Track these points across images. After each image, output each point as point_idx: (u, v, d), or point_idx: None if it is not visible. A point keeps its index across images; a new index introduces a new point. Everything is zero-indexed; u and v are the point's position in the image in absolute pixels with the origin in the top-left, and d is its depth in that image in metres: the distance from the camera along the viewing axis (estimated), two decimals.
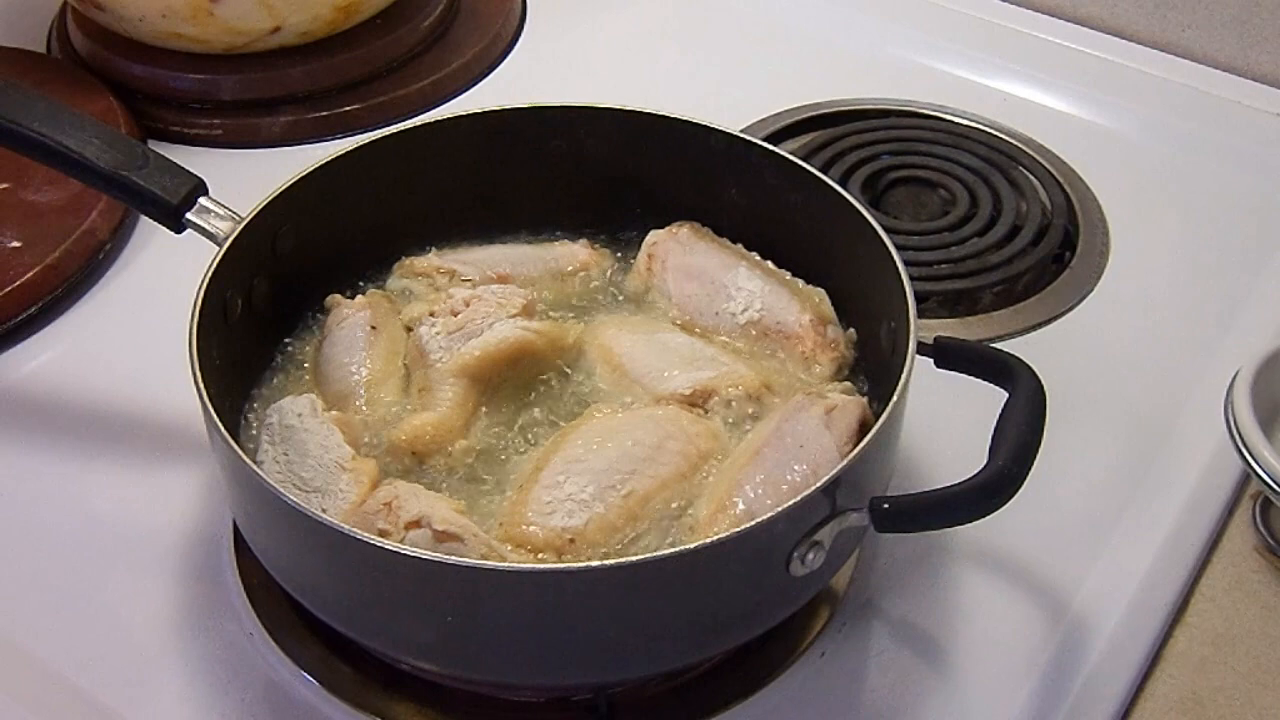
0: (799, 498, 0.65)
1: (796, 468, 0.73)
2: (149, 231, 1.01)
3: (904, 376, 0.70)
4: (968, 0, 1.26)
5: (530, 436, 0.79)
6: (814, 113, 1.14)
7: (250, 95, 1.13)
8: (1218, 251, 1.03)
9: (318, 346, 0.84)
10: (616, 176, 0.90)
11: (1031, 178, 1.08)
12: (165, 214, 0.80)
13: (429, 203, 0.89)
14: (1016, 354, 0.74)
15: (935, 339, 0.76)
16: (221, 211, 0.80)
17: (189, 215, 0.80)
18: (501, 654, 0.68)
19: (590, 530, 0.71)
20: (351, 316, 0.83)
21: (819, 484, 0.65)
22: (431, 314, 0.81)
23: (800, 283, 0.86)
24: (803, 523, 0.66)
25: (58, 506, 0.84)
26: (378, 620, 0.69)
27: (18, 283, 0.94)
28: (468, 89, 1.18)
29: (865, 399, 0.78)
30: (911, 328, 0.73)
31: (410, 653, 0.72)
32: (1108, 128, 1.15)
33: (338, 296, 0.85)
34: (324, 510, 0.71)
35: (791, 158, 0.84)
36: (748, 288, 0.85)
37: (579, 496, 0.72)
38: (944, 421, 0.84)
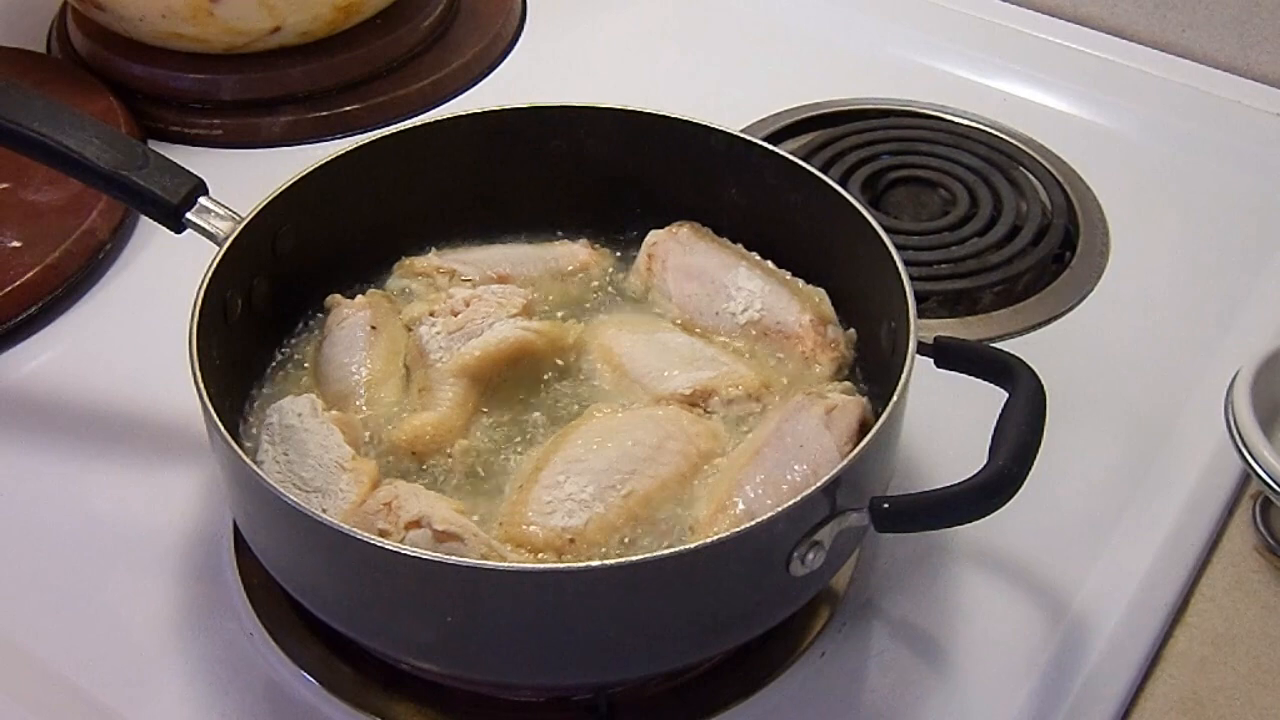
0: (799, 498, 0.65)
1: (796, 468, 0.73)
2: (149, 231, 1.01)
3: (904, 376, 0.70)
4: (968, 0, 1.26)
5: (530, 436, 0.79)
6: (814, 113, 1.14)
7: (250, 95, 1.13)
8: (1218, 251, 1.03)
9: (318, 346, 0.84)
10: (616, 176, 0.90)
11: (1031, 178, 1.08)
12: (165, 214, 0.80)
13: (429, 203, 0.89)
14: (1016, 354, 0.74)
15: (935, 339, 0.76)
16: (221, 211, 0.80)
17: (189, 215, 0.80)
18: (501, 654, 0.68)
19: (590, 530, 0.71)
20: (351, 316, 0.83)
21: (819, 484, 0.65)
22: (431, 314, 0.81)
23: (800, 283, 0.86)
24: (803, 523, 0.66)
25: (58, 506, 0.84)
26: (378, 620, 0.69)
27: (18, 283, 0.94)
28: (468, 89, 1.18)
29: (865, 399, 0.78)
30: (911, 328, 0.73)
31: (410, 653, 0.72)
32: (1108, 128, 1.15)
33: (338, 296, 0.85)
34: (324, 510, 0.71)
35: (791, 158, 0.84)
36: (748, 288, 0.85)
37: (579, 496, 0.72)
38: (944, 421, 0.84)
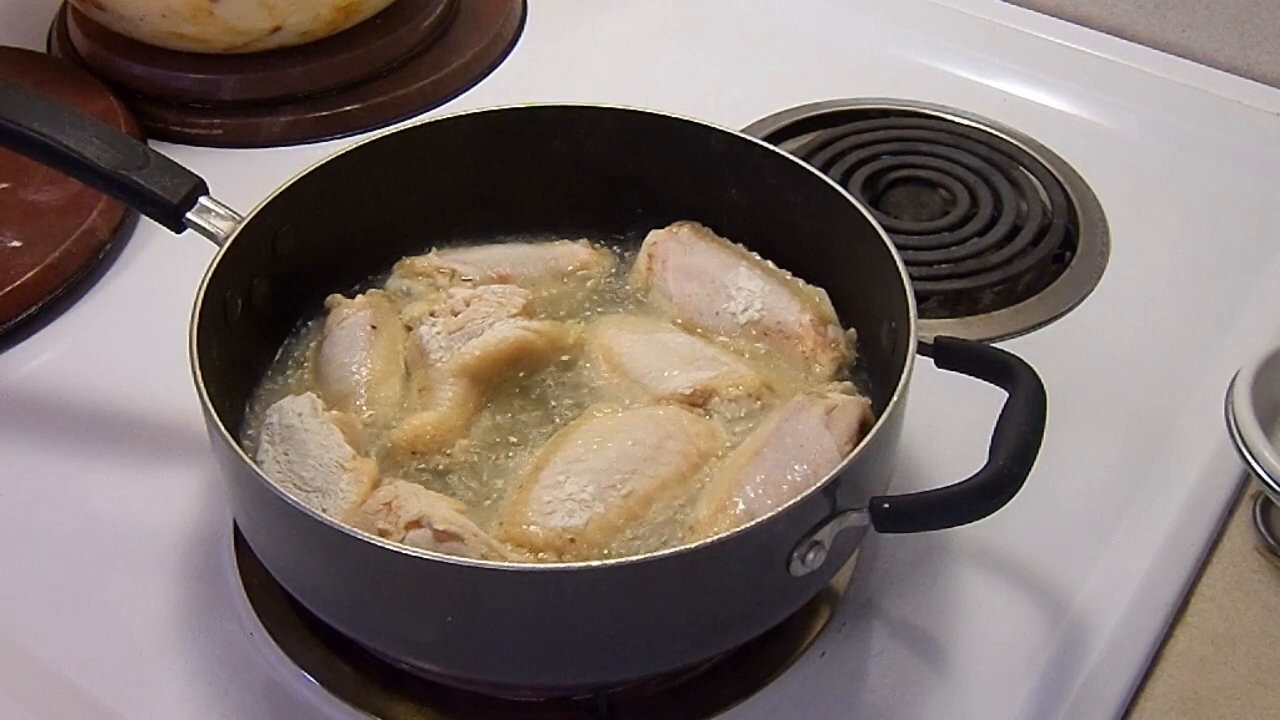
0: (799, 498, 0.65)
1: (797, 468, 0.73)
2: (149, 231, 1.01)
3: (904, 376, 0.70)
4: (968, 0, 1.26)
5: (530, 436, 0.79)
6: (814, 113, 1.14)
7: (250, 95, 1.13)
8: (1218, 251, 1.03)
9: (318, 346, 0.84)
10: (616, 176, 0.90)
11: (1032, 178, 1.08)
12: (165, 214, 0.80)
13: (429, 203, 0.89)
14: (1016, 354, 0.74)
15: (935, 339, 0.76)
16: (222, 211, 0.80)
17: (189, 215, 0.80)
18: (501, 654, 0.68)
19: (590, 530, 0.71)
20: (351, 316, 0.83)
21: (819, 484, 0.65)
22: (432, 314, 0.81)
23: (800, 283, 0.86)
24: (803, 523, 0.66)
25: (58, 506, 0.84)
26: (378, 620, 0.69)
27: (18, 283, 0.94)
28: (468, 89, 1.18)
29: (865, 399, 0.78)
30: (912, 328, 0.73)
31: (410, 653, 0.72)
32: (1108, 128, 1.15)
33: (338, 296, 0.85)
34: (324, 510, 0.71)
35: (791, 158, 0.84)
36: (748, 288, 0.85)
37: (579, 496, 0.72)
38: (944, 421, 0.84)
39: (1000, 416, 0.70)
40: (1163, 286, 1.00)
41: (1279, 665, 0.76)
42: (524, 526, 0.71)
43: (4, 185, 1.01)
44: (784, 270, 0.87)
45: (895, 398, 0.70)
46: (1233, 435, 0.80)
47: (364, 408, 0.79)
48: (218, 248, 0.78)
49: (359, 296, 0.85)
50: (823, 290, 0.85)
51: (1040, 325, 0.97)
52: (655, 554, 0.64)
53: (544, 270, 0.88)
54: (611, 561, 0.66)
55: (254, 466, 0.67)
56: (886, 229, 0.78)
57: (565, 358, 0.82)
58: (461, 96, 1.17)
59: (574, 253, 0.89)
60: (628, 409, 0.79)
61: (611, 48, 1.23)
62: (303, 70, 1.13)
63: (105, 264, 1.00)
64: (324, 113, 1.13)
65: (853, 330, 0.84)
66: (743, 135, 0.86)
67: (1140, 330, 0.96)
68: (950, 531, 0.80)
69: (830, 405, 0.76)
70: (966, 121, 1.14)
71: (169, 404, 0.88)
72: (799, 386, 0.81)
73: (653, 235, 0.88)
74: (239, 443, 0.70)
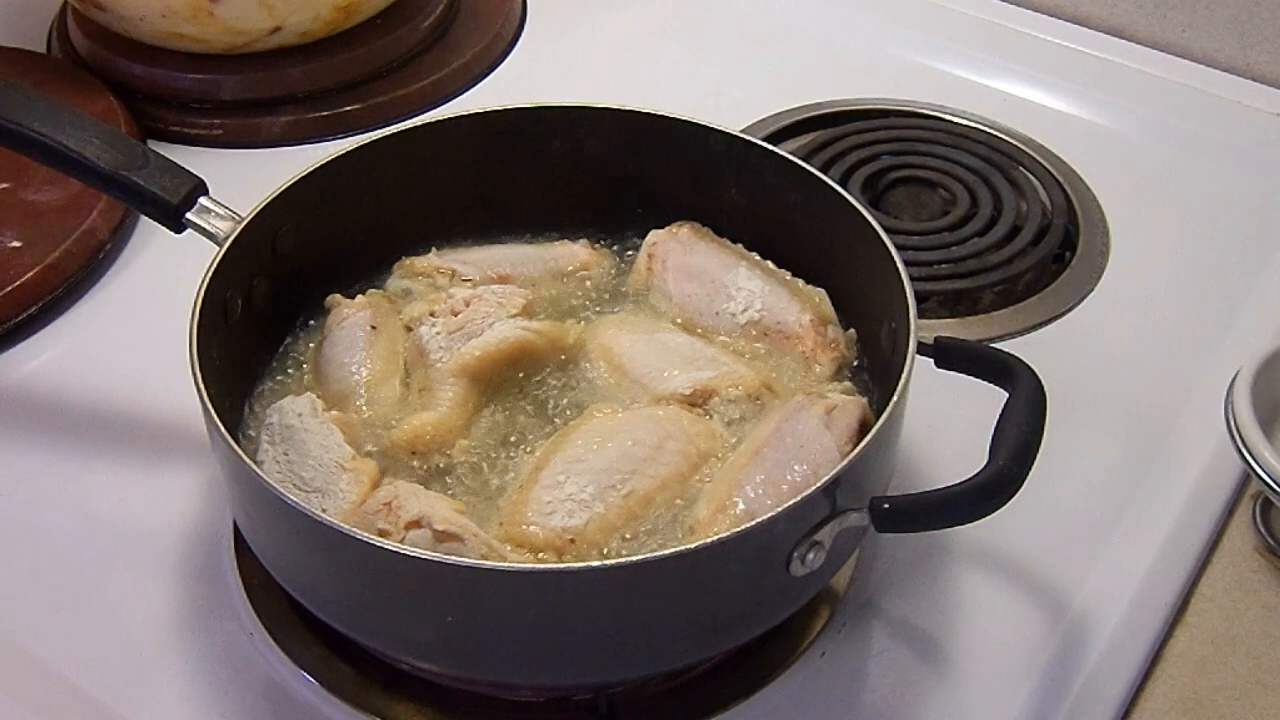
0: (799, 498, 0.65)
1: (796, 468, 0.73)
2: (149, 231, 1.01)
3: (904, 376, 0.70)
4: (968, 0, 1.26)
5: (530, 436, 0.79)
6: (814, 113, 1.14)
7: (250, 95, 1.13)
8: (1218, 251, 1.03)
9: (318, 346, 0.84)
10: (616, 176, 0.90)
11: (1031, 178, 1.08)
12: (165, 214, 0.80)
13: (429, 203, 0.89)
14: (1016, 354, 0.74)
15: (935, 339, 0.76)
16: (221, 211, 0.80)
17: (189, 215, 0.80)
18: (501, 654, 0.68)
19: (590, 530, 0.71)
20: (351, 316, 0.83)
21: (819, 484, 0.65)
22: (432, 314, 0.81)
23: (800, 283, 0.86)
24: (803, 523, 0.66)
25: (58, 506, 0.84)
26: (378, 620, 0.69)
27: (18, 283, 0.94)
28: (468, 89, 1.18)
29: (865, 399, 0.78)
30: (912, 328, 0.73)
31: (410, 653, 0.72)
32: (1108, 128, 1.15)
33: (338, 296, 0.85)
34: (324, 510, 0.71)
35: (791, 158, 0.84)
36: (748, 288, 0.85)
37: (579, 496, 0.72)
38: (944, 421, 0.84)
39: (1000, 416, 0.70)
40: (1163, 286, 1.00)
41: (1279, 665, 0.76)
42: (524, 526, 0.71)
43: (4, 185, 1.01)
44: (784, 270, 0.87)
45: (895, 398, 0.70)
46: (1233, 435, 0.80)
47: (364, 408, 0.79)
48: (218, 248, 0.77)
49: (359, 296, 0.85)
50: (823, 290, 0.85)
51: (1040, 325, 0.97)
52: (655, 554, 0.64)
53: (544, 270, 0.88)
54: (611, 561, 0.66)
55: (254, 466, 0.67)
56: (886, 229, 0.78)
57: (565, 358, 0.82)
58: (461, 96, 1.17)
59: (574, 253, 0.89)
60: (628, 409, 0.79)
61: (611, 48, 1.23)
62: (303, 70, 1.13)
63: (105, 264, 1.00)
64: (324, 113, 1.13)
65: (853, 330, 0.84)
66: (742, 135, 0.86)
67: (1140, 330, 0.96)
68: (950, 531, 0.80)
69: (830, 405, 0.76)
70: (966, 121, 1.14)
71: (169, 404, 0.88)
72: (799, 386, 0.81)
73: (653, 235, 0.88)
74: (239, 443, 0.70)
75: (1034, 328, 0.96)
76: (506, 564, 0.68)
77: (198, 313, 0.73)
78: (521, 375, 0.81)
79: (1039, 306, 0.98)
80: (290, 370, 0.83)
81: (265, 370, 0.83)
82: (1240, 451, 0.79)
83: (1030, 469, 0.67)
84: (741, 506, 0.71)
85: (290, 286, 0.84)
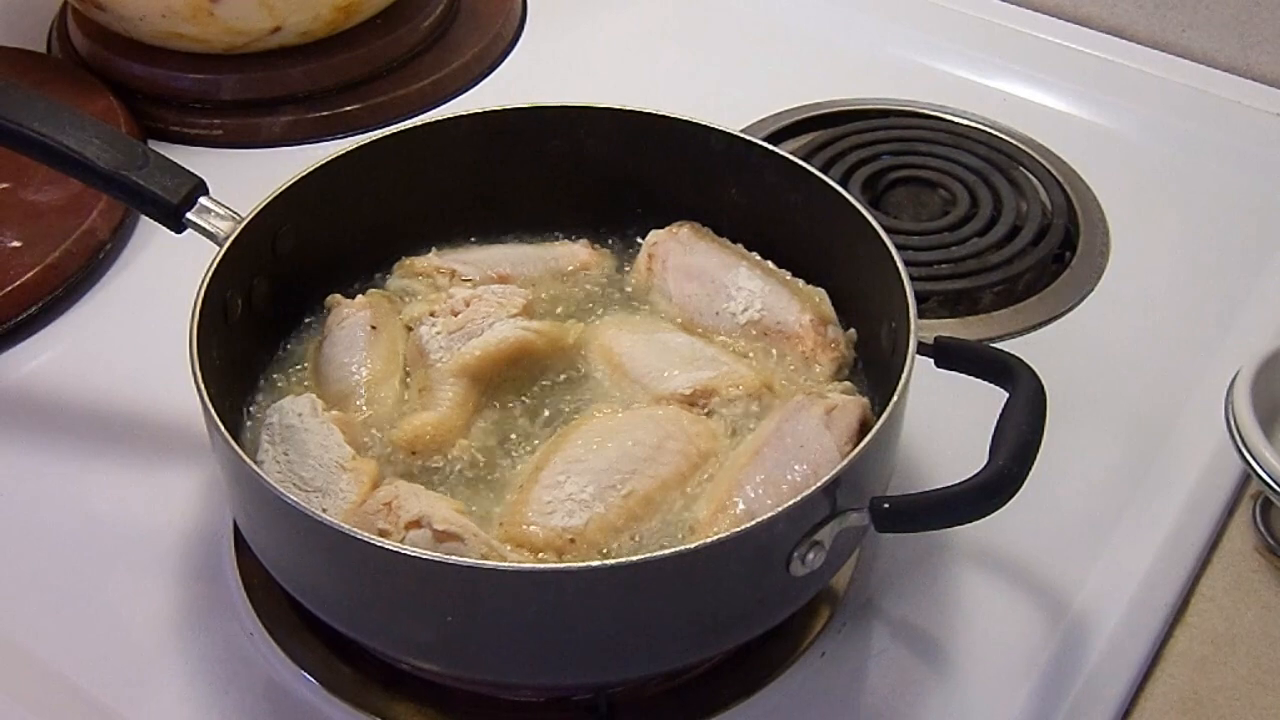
0: (799, 498, 0.65)
1: (797, 468, 0.73)
2: (149, 231, 1.01)
3: (904, 376, 0.70)
4: (968, 0, 1.26)
5: (530, 436, 0.79)
6: (814, 113, 1.14)
7: (250, 95, 1.13)
8: (1218, 251, 1.03)
9: (318, 346, 0.84)
10: (616, 176, 0.90)
11: (1031, 178, 1.08)
12: (165, 214, 0.80)
13: (429, 203, 0.89)
14: (1016, 354, 0.74)
15: (935, 339, 0.76)
16: (222, 211, 0.80)
17: (189, 215, 0.80)
18: (501, 654, 0.68)
19: (590, 530, 0.71)
20: (351, 316, 0.83)
21: (819, 484, 0.65)
22: (432, 314, 0.81)
23: (800, 283, 0.86)
24: (803, 523, 0.66)
25: (58, 506, 0.84)
26: (378, 620, 0.69)
27: (18, 283, 0.94)
28: (468, 89, 1.18)
29: (865, 399, 0.78)
30: (912, 328, 0.73)
31: (410, 653, 0.72)
32: (1108, 128, 1.15)
33: (338, 296, 0.85)
34: (324, 510, 0.71)
35: (791, 158, 0.84)
36: (748, 288, 0.85)
37: (579, 496, 0.72)
38: (944, 421, 0.84)
39: (1000, 416, 0.70)
40: (1163, 286, 1.00)
41: (1279, 665, 0.76)
42: (524, 526, 0.71)
43: (4, 185, 1.01)
44: (784, 270, 0.87)
45: (895, 398, 0.70)
46: (1233, 435, 0.80)
47: (364, 408, 0.79)
48: (218, 248, 0.77)
49: (359, 296, 0.85)
50: (823, 290, 0.85)
51: (1040, 325, 0.97)
52: (655, 554, 0.64)
53: (544, 270, 0.88)
54: (611, 561, 0.66)
55: (254, 466, 0.67)
56: (886, 229, 0.78)
57: (565, 358, 0.82)
58: (461, 96, 1.17)
59: (574, 253, 0.89)
60: (628, 409, 0.79)
61: (611, 48, 1.23)
62: (303, 70, 1.13)
63: (105, 264, 1.00)
64: (324, 113, 1.13)
65: (853, 330, 0.84)
66: (743, 135, 0.86)
67: (1140, 330, 0.96)
68: (950, 531, 0.80)
69: (830, 405, 0.76)
70: (966, 121, 1.14)
71: (169, 404, 0.88)
72: (799, 386, 0.81)
73: (653, 235, 0.88)
74: (239, 443, 0.70)
75: (1034, 328, 0.96)
76: (506, 564, 0.68)
77: (198, 313, 0.73)
78: (521, 375, 0.81)
79: (1039, 306, 0.98)
80: (290, 370, 0.83)
81: (265, 370, 0.83)
82: (1240, 451, 0.79)
83: (1030, 469, 0.67)
84: (741, 506, 0.71)
85: (290, 286, 0.84)
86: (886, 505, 0.67)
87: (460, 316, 0.81)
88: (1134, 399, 0.92)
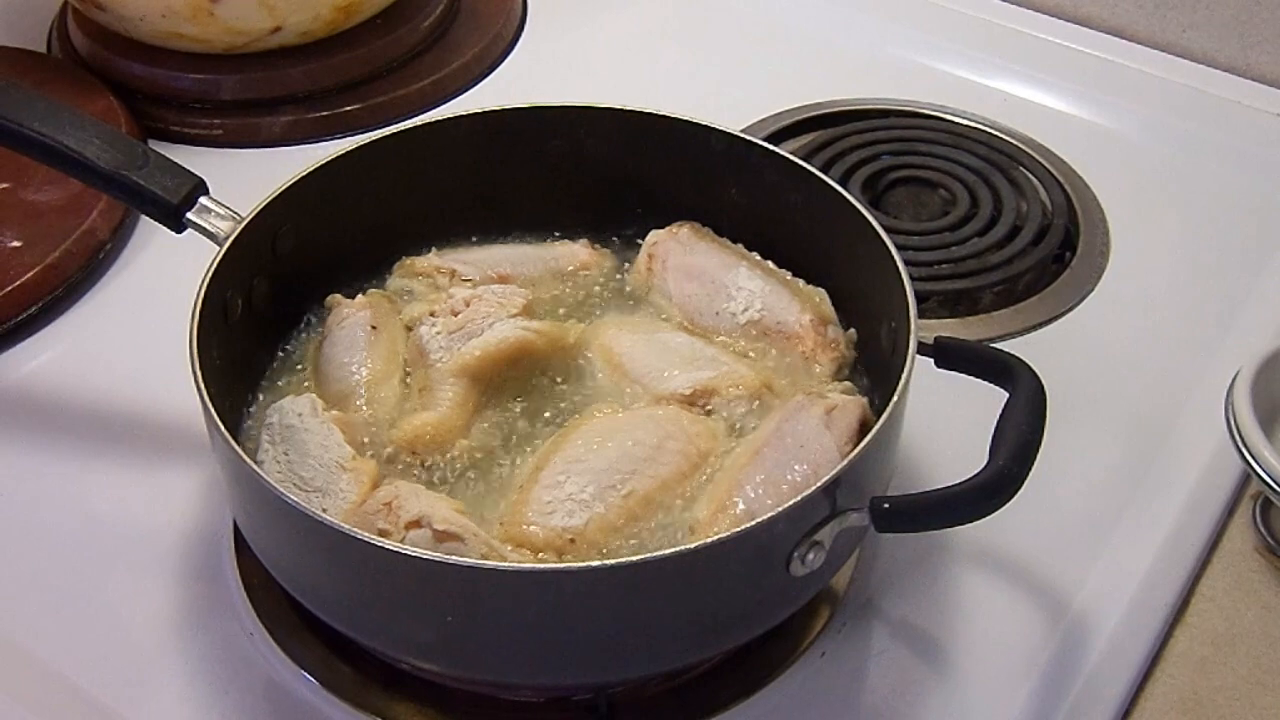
0: (799, 498, 0.65)
1: (797, 468, 0.73)
2: (149, 231, 1.01)
3: (904, 376, 0.70)
4: (968, 0, 1.26)
5: (530, 436, 0.79)
6: (814, 113, 1.14)
7: (250, 95, 1.13)
8: (1218, 251, 1.03)
9: (318, 346, 0.84)
10: (616, 176, 0.90)
11: (1032, 178, 1.08)
12: (165, 214, 0.80)
13: (429, 203, 0.89)
14: (1016, 354, 0.74)
15: (935, 339, 0.76)
16: (222, 211, 0.80)
17: (189, 215, 0.80)
18: (501, 654, 0.68)
19: (590, 530, 0.71)
20: (351, 316, 0.83)
21: (819, 484, 0.65)
22: (432, 314, 0.81)
23: (800, 283, 0.86)
24: (803, 523, 0.66)
25: (58, 506, 0.84)
26: (378, 620, 0.69)
27: (18, 283, 0.94)
28: (468, 89, 1.18)
29: (865, 399, 0.78)
30: (912, 328, 0.73)
31: (410, 653, 0.72)
32: (1108, 128, 1.15)
33: (338, 296, 0.85)
34: (324, 510, 0.71)
35: (791, 158, 0.84)
36: (748, 288, 0.85)
37: (579, 496, 0.72)
38: (944, 421, 0.84)
39: (1000, 416, 0.70)
40: (1163, 286, 1.00)
41: (1279, 665, 0.76)
42: (524, 526, 0.71)
43: (4, 185, 1.01)
44: (784, 270, 0.87)
45: (895, 398, 0.70)
46: (1233, 435, 0.80)
47: (364, 408, 0.79)
48: (218, 248, 0.78)
49: (359, 297, 0.85)
50: (823, 290, 0.85)
51: (1040, 325, 0.97)
52: (655, 554, 0.63)
53: (544, 270, 0.88)
54: (611, 561, 0.66)
55: (254, 466, 0.67)
56: (886, 229, 0.78)
57: (565, 358, 0.82)
58: (461, 96, 1.17)
59: (574, 253, 0.89)
60: (628, 409, 0.79)
61: (611, 48, 1.23)
62: (303, 70, 1.13)
63: (105, 264, 1.00)
64: (324, 113, 1.13)
65: (853, 330, 0.84)
66: (743, 135, 0.86)
67: (1140, 330, 0.96)
68: (950, 531, 0.80)
69: (830, 405, 0.76)
70: (966, 121, 1.14)
71: (169, 404, 0.88)
72: (799, 386, 0.81)
73: (653, 235, 0.88)
74: (239, 443, 0.70)
75: (1034, 328, 0.96)
76: (506, 564, 0.68)
77: (198, 313, 0.73)
78: (521, 375, 0.81)
79: (1039, 306, 0.98)
80: (290, 370, 0.83)
81: (265, 370, 0.83)
82: (1240, 451, 0.79)
83: (1030, 469, 0.67)
84: (741, 506, 0.71)
85: (290, 286, 0.84)
86: (886, 505, 0.67)
87: (460, 316, 0.81)
88: (1134, 399, 0.92)
